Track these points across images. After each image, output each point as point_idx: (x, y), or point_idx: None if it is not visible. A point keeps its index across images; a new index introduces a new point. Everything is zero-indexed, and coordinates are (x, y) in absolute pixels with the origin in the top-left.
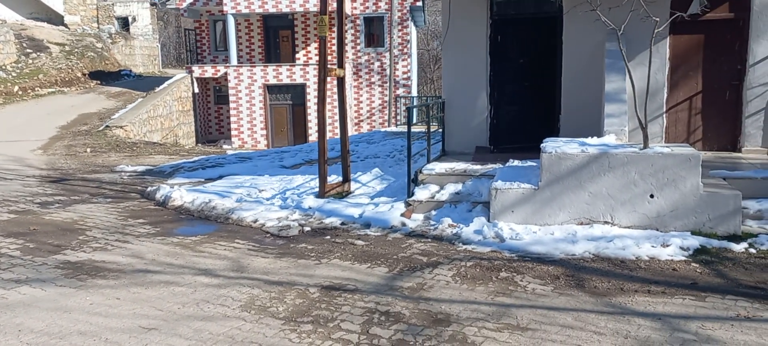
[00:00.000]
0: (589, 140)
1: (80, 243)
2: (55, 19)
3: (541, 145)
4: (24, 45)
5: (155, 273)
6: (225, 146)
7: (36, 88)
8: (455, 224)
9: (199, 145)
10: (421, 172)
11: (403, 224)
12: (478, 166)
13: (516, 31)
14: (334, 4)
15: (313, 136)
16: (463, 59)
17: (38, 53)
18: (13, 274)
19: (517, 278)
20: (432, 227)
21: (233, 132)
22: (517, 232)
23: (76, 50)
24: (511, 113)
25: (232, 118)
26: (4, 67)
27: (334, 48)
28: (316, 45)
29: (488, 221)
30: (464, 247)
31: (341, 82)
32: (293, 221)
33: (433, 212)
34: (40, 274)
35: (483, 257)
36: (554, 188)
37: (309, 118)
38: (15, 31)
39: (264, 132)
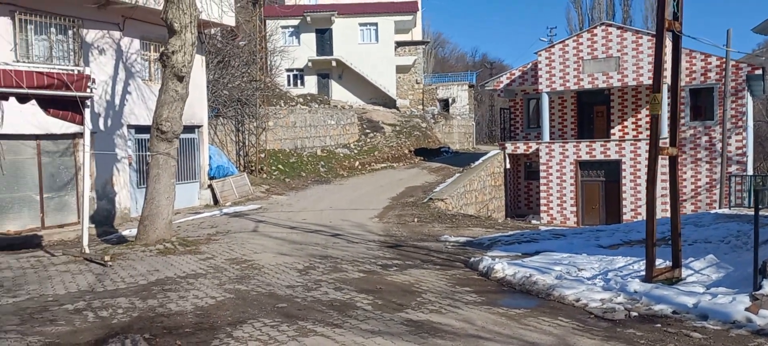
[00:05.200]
0: None
1: (418, 304)
2: (389, 102)
3: None
4: (364, 126)
5: (486, 340)
6: (534, 222)
7: (371, 163)
8: None
9: (509, 219)
10: None
11: (749, 320)
12: None
13: None
14: (668, 80)
15: (627, 215)
16: None
17: (374, 133)
18: (368, 325)
19: None
20: None
21: (542, 207)
22: None
23: (404, 130)
24: None
25: (542, 194)
26: (348, 145)
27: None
28: (633, 120)
29: None
30: None
31: (674, 161)
32: (618, 303)
33: None
34: (389, 328)
35: None
36: None
37: (623, 195)
38: (358, 114)
39: (574, 209)
